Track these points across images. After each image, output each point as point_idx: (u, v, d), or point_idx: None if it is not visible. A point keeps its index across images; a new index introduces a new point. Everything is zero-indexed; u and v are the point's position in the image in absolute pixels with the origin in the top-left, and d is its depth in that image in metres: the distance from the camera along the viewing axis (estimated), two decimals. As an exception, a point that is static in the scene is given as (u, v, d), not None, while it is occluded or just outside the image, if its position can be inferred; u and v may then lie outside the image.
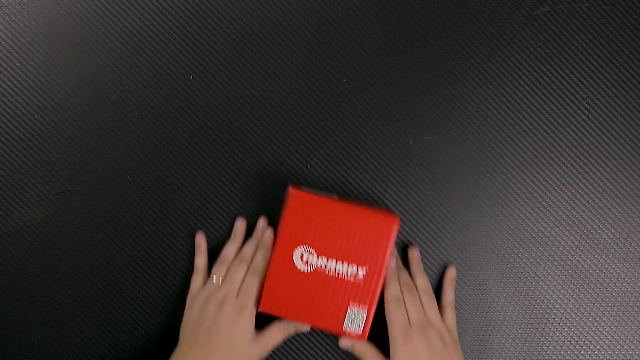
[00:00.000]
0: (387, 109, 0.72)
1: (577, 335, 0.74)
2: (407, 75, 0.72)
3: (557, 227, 0.73)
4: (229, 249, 0.69)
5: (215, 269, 0.68)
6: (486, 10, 0.71)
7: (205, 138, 0.72)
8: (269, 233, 0.69)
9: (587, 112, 0.72)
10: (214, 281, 0.67)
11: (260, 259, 0.67)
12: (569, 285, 0.73)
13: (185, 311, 0.67)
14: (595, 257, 0.73)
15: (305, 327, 0.69)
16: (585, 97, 0.72)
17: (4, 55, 0.71)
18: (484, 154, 0.72)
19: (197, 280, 0.69)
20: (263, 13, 0.71)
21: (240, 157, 0.72)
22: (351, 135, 0.72)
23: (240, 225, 0.71)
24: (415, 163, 0.72)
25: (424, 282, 0.69)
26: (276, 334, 0.67)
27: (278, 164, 0.72)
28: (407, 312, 0.65)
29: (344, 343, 0.68)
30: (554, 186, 0.73)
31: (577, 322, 0.73)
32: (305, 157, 0.72)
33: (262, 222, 0.70)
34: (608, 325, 0.73)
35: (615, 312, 0.73)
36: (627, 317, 0.73)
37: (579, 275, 0.73)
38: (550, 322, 0.74)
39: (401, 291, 0.67)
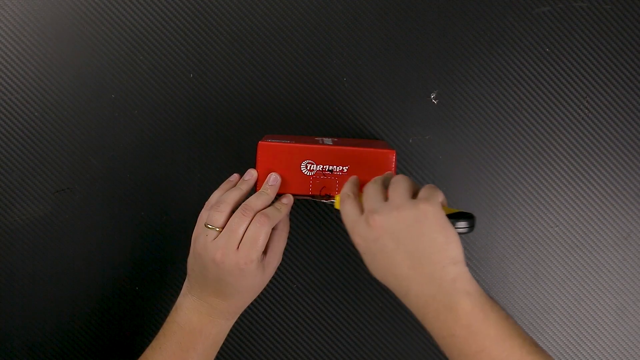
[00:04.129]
0: (387, 108, 0.72)
1: (577, 335, 0.73)
2: (407, 75, 0.72)
3: (557, 226, 0.73)
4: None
5: (209, 213, 0.61)
6: (486, 10, 0.71)
7: (205, 136, 0.72)
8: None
9: (587, 112, 0.72)
10: (210, 227, 0.60)
11: (273, 211, 0.60)
12: (568, 285, 0.73)
13: (191, 248, 0.62)
14: (595, 257, 0.73)
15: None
16: (585, 96, 0.72)
17: (4, 54, 0.71)
18: (483, 152, 0.72)
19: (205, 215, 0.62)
20: (263, 11, 0.71)
21: (240, 156, 0.72)
22: (350, 134, 0.72)
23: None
24: (415, 162, 0.72)
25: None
26: (278, 247, 0.62)
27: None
28: None
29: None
30: (554, 186, 0.73)
31: (577, 322, 0.73)
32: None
33: (273, 176, 0.62)
34: (608, 324, 0.73)
35: (615, 311, 0.73)
36: (627, 316, 0.73)
37: (579, 275, 0.73)
38: (550, 322, 0.73)
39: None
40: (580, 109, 0.72)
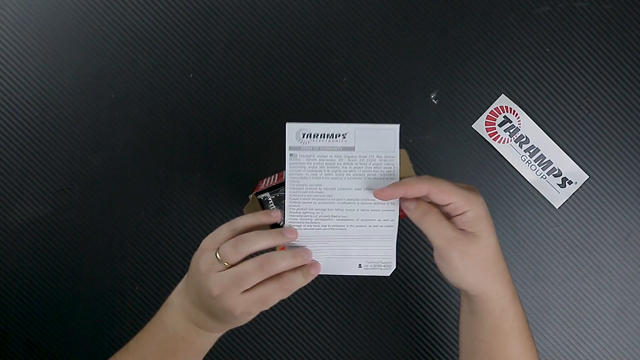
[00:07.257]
0: (387, 108, 0.72)
1: (577, 335, 0.73)
2: (407, 75, 0.72)
3: (557, 226, 0.73)
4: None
5: (225, 246, 0.54)
6: (486, 9, 0.71)
7: (204, 136, 0.72)
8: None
9: (587, 111, 0.72)
10: (219, 259, 0.53)
11: (299, 278, 0.55)
12: (568, 285, 0.73)
13: (195, 258, 0.55)
14: (595, 257, 0.73)
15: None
16: (585, 95, 0.72)
17: (4, 53, 0.71)
18: (483, 152, 0.72)
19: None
20: (263, 11, 0.71)
21: (240, 155, 0.72)
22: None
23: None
24: (415, 162, 0.72)
25: None
26: None
27: (277, 162, 0.72)
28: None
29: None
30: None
31: (577, 322, 0.73)
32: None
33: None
34: (608, 325, 0.73)
35: (615, 311, 0.73)
36: (627, 316, 0.73)
37: (579, 275, 0.73)
38: (550, 322, 0.73)
39: None
40: (580, 109, 0.72)
